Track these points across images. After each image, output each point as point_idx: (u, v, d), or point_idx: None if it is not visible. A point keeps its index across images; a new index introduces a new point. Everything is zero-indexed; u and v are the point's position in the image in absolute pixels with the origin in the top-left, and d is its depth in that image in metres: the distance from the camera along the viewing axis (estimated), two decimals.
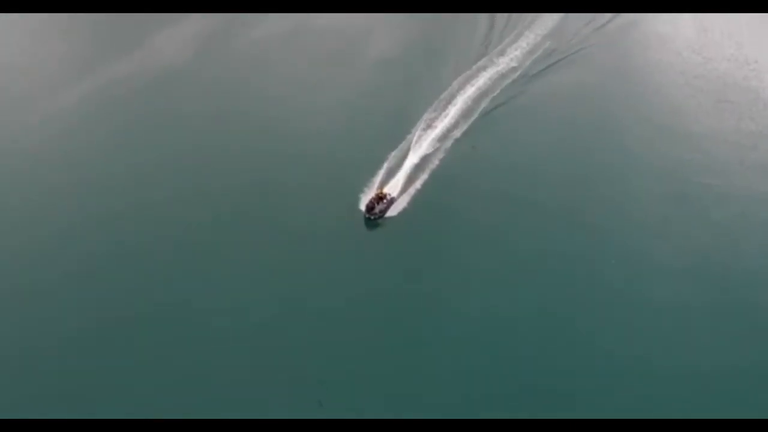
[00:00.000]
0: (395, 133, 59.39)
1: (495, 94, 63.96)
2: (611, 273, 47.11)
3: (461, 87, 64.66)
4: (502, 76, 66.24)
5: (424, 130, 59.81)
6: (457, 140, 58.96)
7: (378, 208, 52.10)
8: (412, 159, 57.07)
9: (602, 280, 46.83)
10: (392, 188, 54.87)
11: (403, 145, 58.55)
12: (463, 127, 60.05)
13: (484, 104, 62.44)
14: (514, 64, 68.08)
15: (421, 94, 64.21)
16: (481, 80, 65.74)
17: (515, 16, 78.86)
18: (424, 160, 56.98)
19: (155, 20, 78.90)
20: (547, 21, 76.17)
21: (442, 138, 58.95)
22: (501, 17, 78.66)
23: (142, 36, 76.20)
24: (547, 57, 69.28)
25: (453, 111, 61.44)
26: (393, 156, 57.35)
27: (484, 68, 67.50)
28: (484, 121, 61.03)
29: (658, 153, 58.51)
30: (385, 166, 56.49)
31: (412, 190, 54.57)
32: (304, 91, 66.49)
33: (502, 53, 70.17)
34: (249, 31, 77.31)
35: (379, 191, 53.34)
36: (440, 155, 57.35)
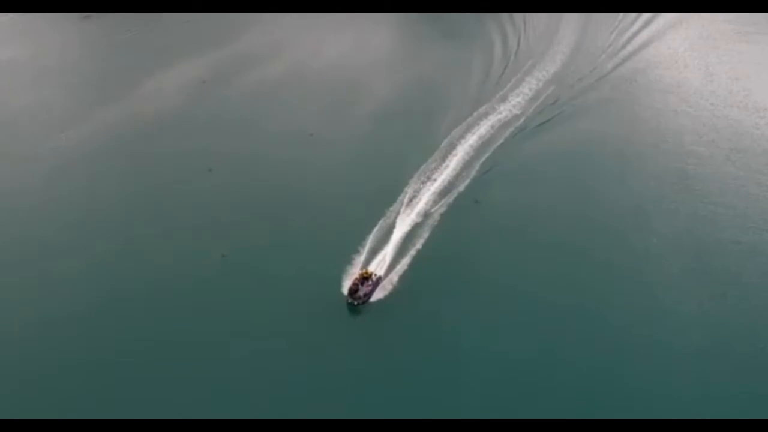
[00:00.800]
0: (385, 197, 52.93)
1: (499, 143, 60.05)
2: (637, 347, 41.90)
3: (461, 136, 60.99)
4: (505, 124, 62.99)
5: (418, 190, 54.21)
6: (459, 194, 53.57)
7: (362, 291, 43.27)
8: (401, 227, 49.61)
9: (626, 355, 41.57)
10: (380, 263, 46.58)
11: (393, 209, 51.73)
12: (465, 180, 55.16)
13: (486, 154, 58.24)
14: (516, 111, 64.97)
15: (416, 146, 59.92)
16: (483, 128, 62.37)
17: (517, 58, 77.33)
18: (416, 226, 49.76)
19: (151, 64, 77.55)
20: (550, 66, 74.22)
21: (441, 194, 53.58)
22: (501, 61, 77.03)
23: (138, 80, 73.91)
24: (551, 105, 66.30)
25: (453, 162, 57.14)
26: (382, 223, 49.80)
27: (485, 115, 64.37)
28: (487, 172, 56.47)
29: (672, 206, 54.29)
30: (373, 233, 48.81)
31: (402, 266, 46.05)
32: (293, 147, 61.93)
33: (503, 99, 67.36)
34: (245, 75, 75.31)
35: (363, 270, 44.79)
36: (435, 218, 50.61)
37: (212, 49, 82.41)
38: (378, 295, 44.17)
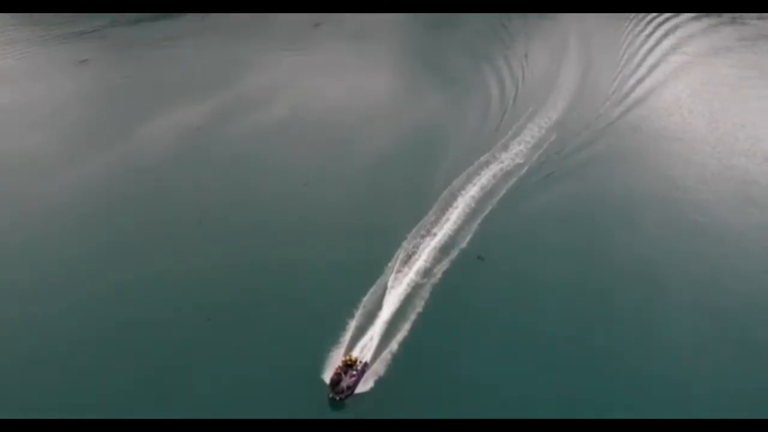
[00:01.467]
0: (379, 256, 48.37)
1: (502, 194, 57.36)
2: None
3: (462, 187, 58.32)
4: (508, 173, 60.82)
5: (417, 245, 50.06)
6: (461, 250, 49.83)
7: (345, 382, 37.34)
8: (396, 295, 44.64)
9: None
10: (368, 343, 40.98)
11: (387, 272, 46.92)
12: (467, 235, 51.69)
13: (489, 206, 55.40)
14: (519, 160, 63.01)
15: (414, 198, 56.37)
16: (484, 178, 60.14)
17: (516, 104, 76.13)
18: (415, 287, 45.40)
19: (146, 110, 76.16)
20: (551, 112, 72.87)
21: (441, 250, 49.88)
22: (500, 107, 75.73)
23: (131, 127, 72.13)
24: (555, 154, 64.49)
25: (454, 216, 54.11)
26: (374, 289, 44.87)
27: (486, 164, 62.31)
28: (490, 225, 53.24)
29: (681, 259, 51.35)
30: (364, 302, 43.71)
31: (390, 350, 40.13)
32: (286, 200, 58.89)
33: (505, 147, 65.51)
34: (240, 121, 73.61)
35: (346, 357, 38.88)
36: (436, 277, 46.56)
37: (208, 93, 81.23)
38: (363, 387, 37.63)
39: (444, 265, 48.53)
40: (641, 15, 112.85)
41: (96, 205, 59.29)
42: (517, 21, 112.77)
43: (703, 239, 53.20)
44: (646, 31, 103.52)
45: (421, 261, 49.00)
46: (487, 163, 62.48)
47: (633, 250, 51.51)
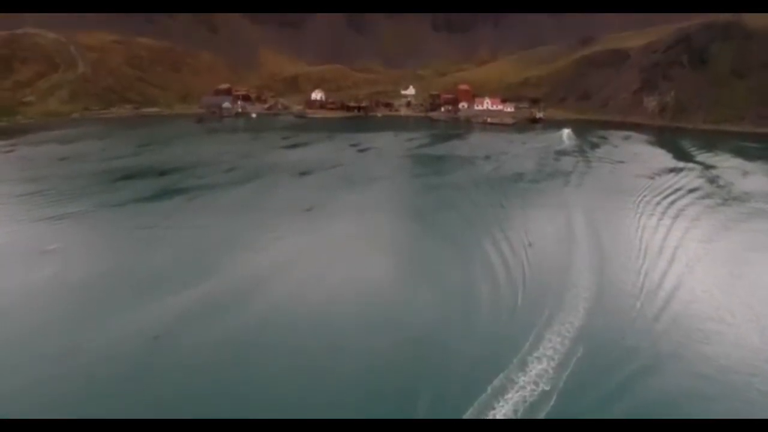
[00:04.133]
0: None
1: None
2: None
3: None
4: (533, 405, 47.87)
5: None
6: None
7: None
8: None
9: None
10: None
11: None
12: None
13: None
14: (545, 386, 50.47)
15: None
16: (505, 409, 47.17)
17: (527, 306, 65.83)
18: None
19: (101, 313, 65.26)
20: (572, 317, 62.16)
21: None
22: (507, 309, 65.46)
23: (80, 334, 60.83)
24: (587, 371, 52.26)
25: None
26: None
27: (502, 392, 49.40)
28: None
29: None
30: None
31: None
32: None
33: (522, 366, 53.32)
34: (208, 327, 62.29)
35: None
36: None
37: (178, 288, 71.13)
38: None
39: None
40: (644, 198, 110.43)
41: None
42: (515, 201, 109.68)
43: None
44: (655, 215, 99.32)
45: None
46: (503, 391, 49.77)
47: None
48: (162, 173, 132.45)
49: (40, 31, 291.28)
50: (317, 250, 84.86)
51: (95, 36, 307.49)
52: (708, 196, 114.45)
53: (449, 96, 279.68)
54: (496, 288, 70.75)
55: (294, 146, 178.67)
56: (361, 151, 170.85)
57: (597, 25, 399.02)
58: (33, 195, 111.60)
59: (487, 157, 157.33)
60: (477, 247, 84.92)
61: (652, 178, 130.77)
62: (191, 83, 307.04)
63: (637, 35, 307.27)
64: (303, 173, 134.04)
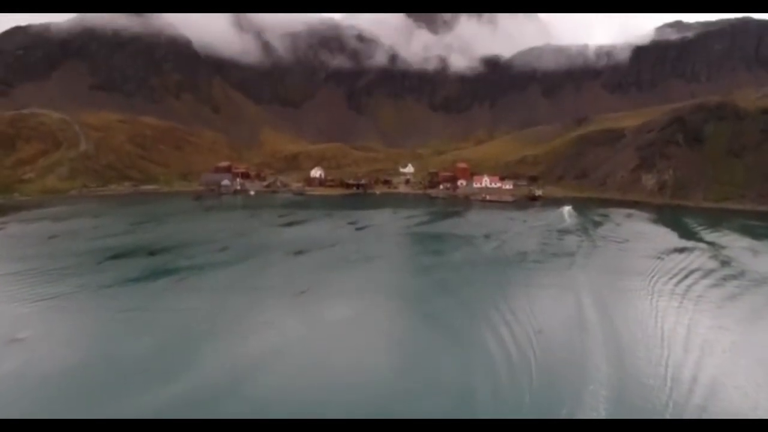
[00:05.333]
0: None
1: None
2: None
3: None
4: None
5: None
6: None
7: None
8: None
9: None
10: None
11: None
12: None
13: None
14: None
15: None
16: None
17: (541, 401, 58.54)
18: None
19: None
20: (593, 416, 54.97)
21: None
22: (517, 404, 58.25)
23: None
24: None
25: None
26: None
27: None
28: None
29: None
30: None
31: None
32: None
33: None
34: None
35: None
36: None
37: (147, 385, 63.92)
38: None
39: None
40: (657, 280, 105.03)
41: None
42: (519, 283, 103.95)
43: None
44: (673, 299, 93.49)
45: None
46: None
47: None
48: (152, 253, 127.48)
49: (46, 111, 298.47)
50: (307, 337, 78.28)
51: (101, 116, 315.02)
52: (724, 278, 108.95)
53: (448, 174, 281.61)
54: (502, 382, 63.74)
55: (290, 224, 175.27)
56: (359, 229, 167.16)
57: (590, 106, 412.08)
58: (15, 275, 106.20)
59: (488, 236, 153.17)
60: (479, 335, 78.41)
61: (660, 258, 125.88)
62: (193, 161, 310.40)
63: (630, 116, 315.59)
64: (298, 252, 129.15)
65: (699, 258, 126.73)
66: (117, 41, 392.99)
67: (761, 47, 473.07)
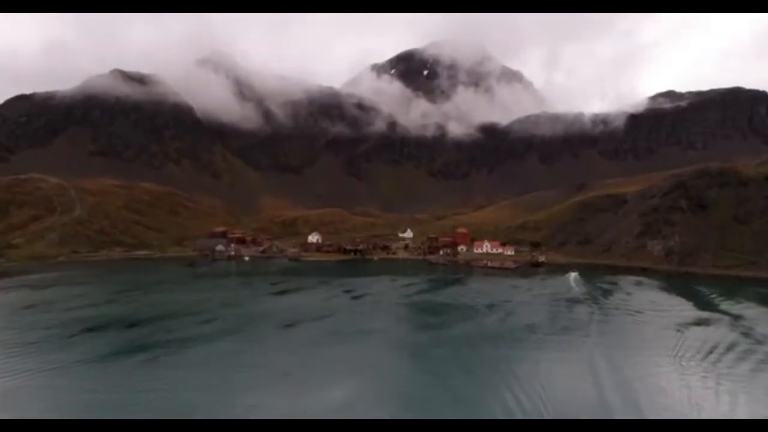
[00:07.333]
0: None
1: None
2: None
3: None
4: None
5: None
6: None
7: None
8: None
9: None
10: None
11: None
12: None
13: None
14: None
15: None
16: None
17: None
18: None
19: None
20: None
21: None
22: None
23: None
24: None
25: None
26: None
27: None
28: None
29: None
30: None
31: None
32: None
33: None
34: None
35: None
36: None
37: None
38: None
39: None
40: (683, 355, 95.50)
41: None
42: (529, 359, 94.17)
43: None
44: (708, 378, 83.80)
45: None
46: None
47: None
48: (131, 325, 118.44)
49: (43, 176, 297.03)
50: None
51: (99, 181, 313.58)
52: (751, 352, 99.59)
53: (447, 239, 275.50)
54: None
55: (283, 293, 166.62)
56: (355, 298, 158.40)
57: (587, 172, 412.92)
58: None
59: (492, 306, 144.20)
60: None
61: (680, 330, 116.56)
62: (189, 226, 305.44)
63: (630, 182, 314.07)
64: (288, 325, 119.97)
65: (720, 330, 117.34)
66: (120, 108, 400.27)
67: (754, 117, 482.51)
